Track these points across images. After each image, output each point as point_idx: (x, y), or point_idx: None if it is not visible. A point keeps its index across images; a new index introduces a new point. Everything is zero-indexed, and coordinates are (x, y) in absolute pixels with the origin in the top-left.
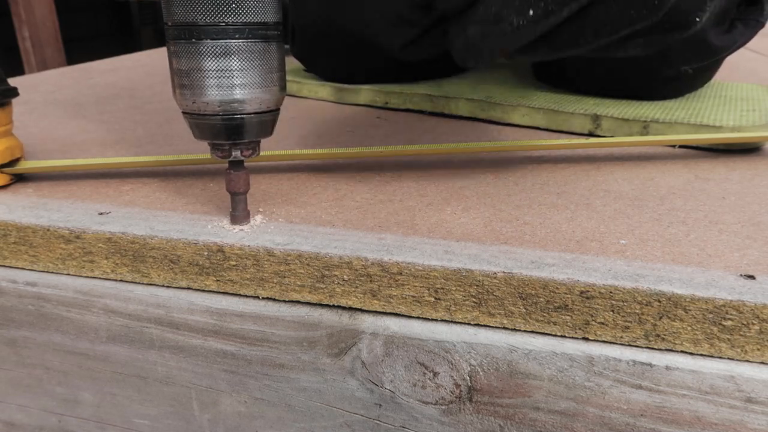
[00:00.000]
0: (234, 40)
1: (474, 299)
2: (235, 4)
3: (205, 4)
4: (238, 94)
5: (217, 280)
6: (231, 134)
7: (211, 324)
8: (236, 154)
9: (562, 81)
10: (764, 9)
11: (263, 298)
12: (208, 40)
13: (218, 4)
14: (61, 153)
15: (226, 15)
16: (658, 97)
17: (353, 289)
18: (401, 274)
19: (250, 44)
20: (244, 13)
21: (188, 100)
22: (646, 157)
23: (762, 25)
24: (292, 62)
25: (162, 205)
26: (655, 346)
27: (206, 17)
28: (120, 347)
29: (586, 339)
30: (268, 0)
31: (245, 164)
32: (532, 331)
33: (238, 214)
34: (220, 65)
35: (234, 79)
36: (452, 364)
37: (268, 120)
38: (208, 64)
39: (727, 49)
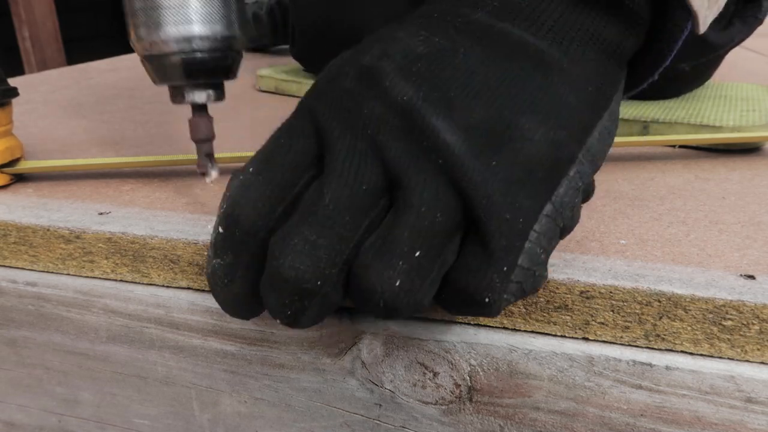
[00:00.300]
0: None
1: None
2: None
3: None
4: (196, 30)
5: None
6: (190, 73)
7: (211, 324)
8: (198, 96)
9: None
10: (762, 5)
11: None
12: None
13: None
14: (61, 153)
15: None
16: (657, 97)
17: None
18: None
19: None
20: None
21: (145, 41)
22: (646, 157)
23: (760, 22)
24: (292, 62)
25: (162, 205)
26: (655, 346)
27: None
28: (120, 347)
29: (586, 339)
30: None
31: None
32: (532, 331)
33: (205, 164)
34: (177, 0)
35: (191, 14)
36: (452, 364)
37: (228, 58)
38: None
39: (725, 45)
